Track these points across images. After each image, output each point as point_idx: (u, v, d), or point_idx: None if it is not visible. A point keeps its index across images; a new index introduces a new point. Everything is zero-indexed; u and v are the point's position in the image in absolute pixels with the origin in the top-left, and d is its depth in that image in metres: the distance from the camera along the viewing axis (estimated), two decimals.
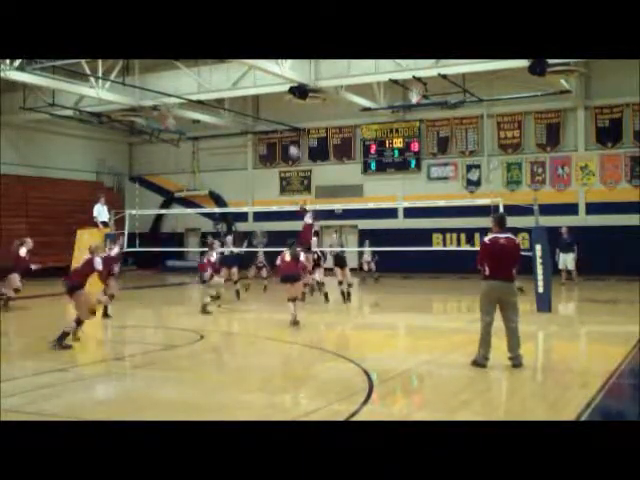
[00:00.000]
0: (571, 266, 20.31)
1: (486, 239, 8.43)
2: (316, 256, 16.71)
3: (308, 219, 16.21)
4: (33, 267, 15.43)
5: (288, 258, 12.73)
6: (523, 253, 14.42)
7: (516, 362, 8.18)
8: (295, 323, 12.28)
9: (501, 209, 14.30)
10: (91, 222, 19.37)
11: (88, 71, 21.29)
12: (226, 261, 16.92)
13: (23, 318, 14.79)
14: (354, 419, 6.05)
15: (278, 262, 13.06)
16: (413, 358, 9.48)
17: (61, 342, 9.89)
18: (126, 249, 19.06)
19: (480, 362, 8.18)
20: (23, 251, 15.17)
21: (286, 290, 12.65)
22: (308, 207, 17.10)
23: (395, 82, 20.61)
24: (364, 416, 6.16)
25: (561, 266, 20.11)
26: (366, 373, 8.02)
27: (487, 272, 8.28)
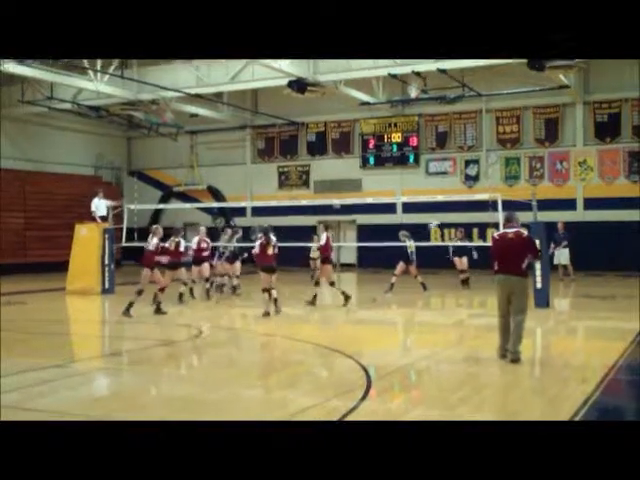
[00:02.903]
0: (566, 261, 20.30)
1: (495, 234, 8.61)
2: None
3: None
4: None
5: (270, 251, 13.36)
6: None
7: (514, 358, 8.18)
8: (266, 314, 12.95)
9: (499, 205, 14.33)
10: (89, 216, 19.34)
11: (86, 64, 21.23)
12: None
13: (20, 313, 14.77)
14: (352, 415, 6.05)
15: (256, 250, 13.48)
16: (412, 354, 9.50)
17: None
18: (124, 244, 19.04)
19: (499, 354, 8.38)
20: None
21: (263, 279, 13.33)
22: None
23: (394, 77, 20.58)
24: (362, 412, 6.16)
25: (556, 261, 20.13)
26: (364, 369, 8.03)
27: (496, 267, 8.39)
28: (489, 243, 9.66)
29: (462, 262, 18.41)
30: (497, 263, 8.35)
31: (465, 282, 18.39)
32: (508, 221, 8.62)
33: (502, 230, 8.61)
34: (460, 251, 18.47)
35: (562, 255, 20.23)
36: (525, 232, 8.64)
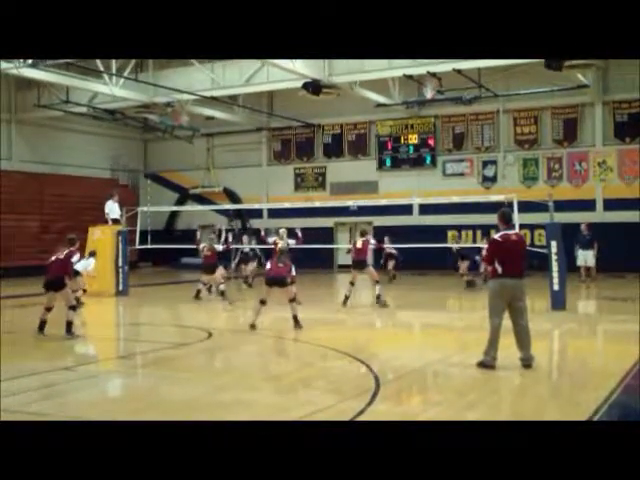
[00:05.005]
0: (591, 263, 20.11)
1: (497, 236, 8.22)
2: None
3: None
4: None
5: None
6: (539, 250, 14.40)
7: (527, 363, 7.98)
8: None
9: (515, 205, 14.13)
10: (104, 219, 19.37)
11: (102, 68, 21.32)
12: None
13: (33, 315, 14.75)
14: (359, 419, 5.92)
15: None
16: (423, 357, 9.33)
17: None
18: (138, 246, 19.09)
19: (489, 364, 7.98)
20: None
21: None
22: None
23: (409, 77, 20.43)
24: (369, 416, 6.03)
25: (580, 263, 19.95)
26: (374, 372, 7.89)
27: (500, 270, 8.06)
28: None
29: (463, 265, 18.96)
30: (502, 266, 7.97)
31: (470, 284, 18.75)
32: (507, 222, 8.29)
33: (502, 232, 8.21)
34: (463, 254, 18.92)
35: (587, 256, 20.02)
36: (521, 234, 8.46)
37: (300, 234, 16.22)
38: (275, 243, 15.73)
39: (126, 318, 14.03)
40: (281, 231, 16.67)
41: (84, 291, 15.42)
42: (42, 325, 10.70)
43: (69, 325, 10.60)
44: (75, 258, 11.00)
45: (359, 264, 14.88)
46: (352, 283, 14.94)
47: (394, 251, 20.78)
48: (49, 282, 10.69)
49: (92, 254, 15.99)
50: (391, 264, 21.04)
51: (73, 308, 10.81)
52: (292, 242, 15.91)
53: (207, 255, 16.46)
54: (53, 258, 10.85)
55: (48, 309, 10.75)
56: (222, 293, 16.22)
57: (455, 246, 19.39)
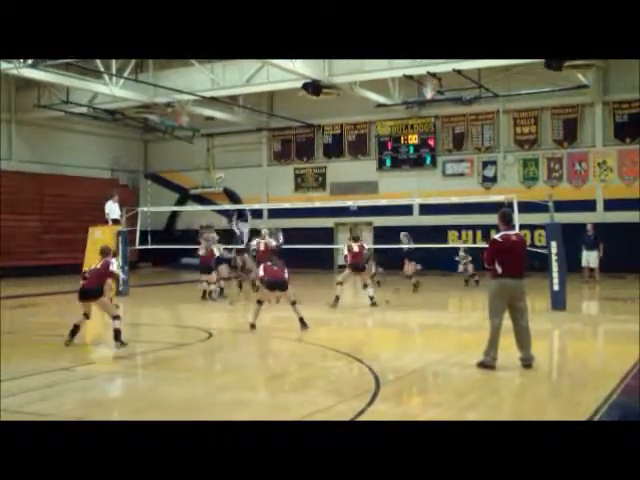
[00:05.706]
0: (594, 264, 20.10)
1: (497, 236, 8.24)
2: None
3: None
4: None
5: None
6: (540, 250, 14.41)
7: (527, 363, 7.99)
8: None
9: (515, 206, 14.13)
10: (104, 219, 19.37)
11: (102, 68, 21.32)
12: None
13: (33, 315, 14.79)
14: (359, 419, 5.92)
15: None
16: (423, 357, 9.33)
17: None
18: (138, 246, 19.10)
19: (490, 364, 8.00)
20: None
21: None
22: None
23: (409, 78, 20.43)
24: (369, 416, 6.03)
25: (584, 264, 19.92)
26: (374, 373, 7.89)
27: (500, 270, 8.07)
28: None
29: (410, 267, 18.58)
30: (502, 267, 7.99)
31: (415, 286, 18.41)
32: (508, 222, 8.32)
33: (503, 232, 8.22)
34: (410, 255, 18.62)
35: (591, 257, 19.99)
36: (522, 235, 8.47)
37: (282, 238, 16.19)
38: (258, 244, 15.75)
39: (126, 318, 13.91)
40: (263, 231, 16.66)
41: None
42: (74, 330, 10.18)
43: (117, 333, 10.05)
44: (112, 266, 10.50)
45: (358, 267, 15.19)
46: (340, 283, 15.13)
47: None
48: (85, 291, 10.24)
49: (113, 254, 15.73)
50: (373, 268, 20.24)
51: (117, 317, 10.21)
52: (273, 244, 15.95)
53: (202, 256, 16.50)
54: (87, 269, 10.65)
55: (86, 315, 10.32)
56: (210, 293, 16.27)
57: (407, 246, 19.09)
